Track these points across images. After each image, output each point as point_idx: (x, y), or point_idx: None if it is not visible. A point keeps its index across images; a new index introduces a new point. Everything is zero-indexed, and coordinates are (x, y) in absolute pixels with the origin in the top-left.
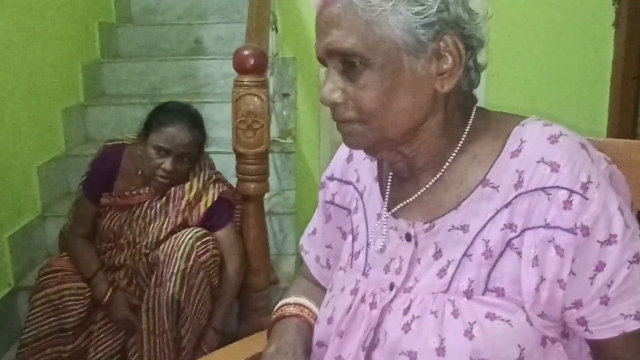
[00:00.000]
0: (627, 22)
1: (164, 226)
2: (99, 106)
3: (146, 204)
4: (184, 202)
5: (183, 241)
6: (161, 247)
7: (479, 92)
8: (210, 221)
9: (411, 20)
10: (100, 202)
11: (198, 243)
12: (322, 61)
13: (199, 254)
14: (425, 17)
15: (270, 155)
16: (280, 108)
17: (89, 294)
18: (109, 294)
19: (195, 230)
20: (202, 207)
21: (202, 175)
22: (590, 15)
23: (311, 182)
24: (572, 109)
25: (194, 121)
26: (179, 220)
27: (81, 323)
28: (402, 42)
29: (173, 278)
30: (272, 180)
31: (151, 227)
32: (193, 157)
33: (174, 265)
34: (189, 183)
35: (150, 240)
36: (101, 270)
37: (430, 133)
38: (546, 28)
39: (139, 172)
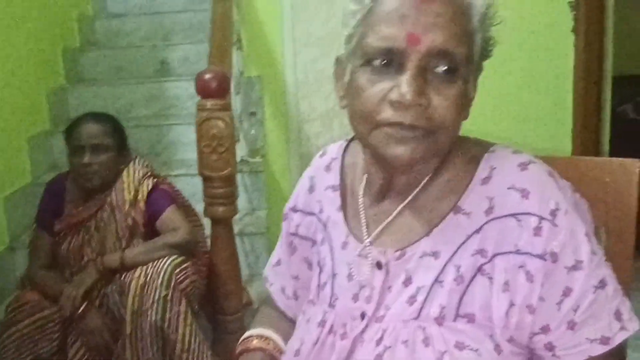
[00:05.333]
0: (585, 28)
1: (119, 233)
2: None
3: (98, 216)
4: (127, 205)
5: (162, 268)
6: (137, 274)
7: None
8: (151, 211)
9: (485, 45)
10: (54, 230)
11: (177, 270)
12: (396, 52)
13: (178, 281)
14: (490, 44)
15: (239, 175)
16: (248, 127)
17: (60, 319)
18: (82, 307)
19: (172, 258)
20: (141, 202)
21: (135, 175)
22: (549, 23)
23: (282, 200)
24: (535, 119)
25: (99, 115)
26: (130, 221)
27: (58, 350)
28: (474, 60)
29: (155, 306)
30: (243, 200)
31: (107, 240)
32: (112, 148)
33: (155, 293)
34: (126, 186)
35: (110, 251)
36: None
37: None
38: (506, 37)
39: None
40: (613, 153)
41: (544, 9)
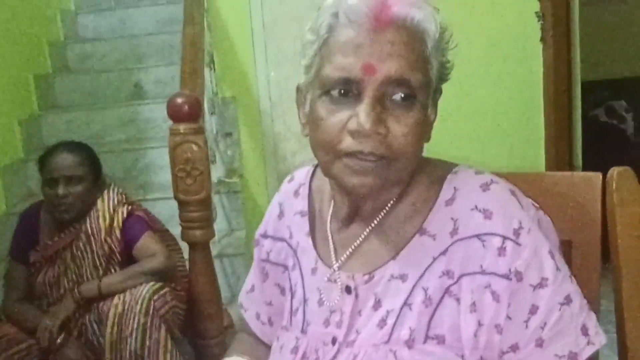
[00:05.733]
0: (552, 37)
1: (96, 262)
2: None
3: (74, 246)
4: (103, 233)
5: (140, 295)
6: (115, 302)
7: None
8: (127, 238)
9: (441, 69)
10: (30, 261)
11: (155, 297)
12: (354, 81)
13: (157, 307)
14: (447, 68)
15: (217, 196)
16: (224, 148)
17: (38, 351)
18: (61, 337)
19: (150, 285)
20: (117, 229)
21: (110, 203)
22: (517, 34)
23: (261, 219)
24: (508, 130)
25: (72, 144)
26: (106, 249)
27: None
28: (432, 87)
29: (134, 334)
30: (221, 221)
31: (84, 269)
32: (87, 179)
33: (134, 321)
34: (101, 214)
35: (87, 280)
36: None
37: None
38: (474, 50)
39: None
40: (586, 158)
41: (512, 21)
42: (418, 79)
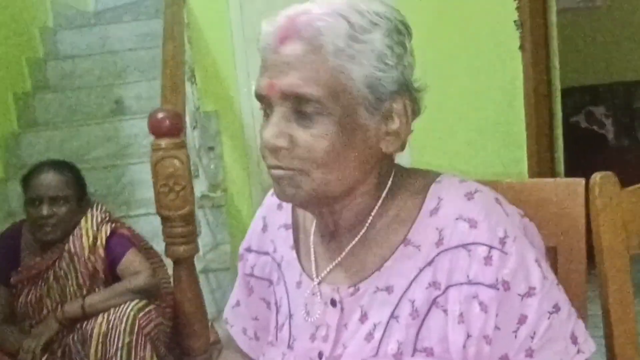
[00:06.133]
0: (531, 45)
1: (80, 281)
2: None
3: (57, 266)
4: (86, 252)
5: (124, 313)
6: (98, 321)
7: None
8: (111, 257)
9: (374, 75)
10: (10, 282)
11: (140, 315)
12: (265, 99)
13: (142, 325)
14: (386, 74)
15: (201, 211)
16: (207, 162)
17: None
18: (44, 358)
19: (135, 302)
20: (100, 248)
21: (93, 221)
22: (496, 42)
23: (246, 232)
24: (490, 138)
25: (58, 164)
26: (90, 268)
27: None
28: (361, 96)
29: (118, 353)
30: (206, 235)
31: (68, 289)
32: (71, 199)
33: (118, 340)
34: (85, 232)
35: (70, 300)
36: None
37: (364, 192)
38: (456, 58)
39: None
40: (568, 164)
41: (491, 30)
42: (318, 91)
